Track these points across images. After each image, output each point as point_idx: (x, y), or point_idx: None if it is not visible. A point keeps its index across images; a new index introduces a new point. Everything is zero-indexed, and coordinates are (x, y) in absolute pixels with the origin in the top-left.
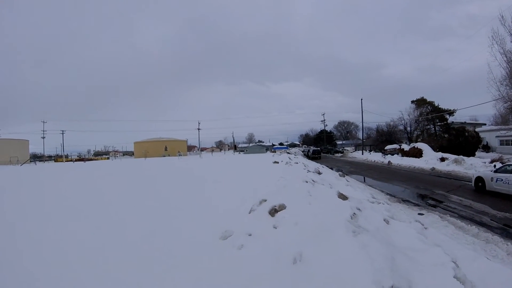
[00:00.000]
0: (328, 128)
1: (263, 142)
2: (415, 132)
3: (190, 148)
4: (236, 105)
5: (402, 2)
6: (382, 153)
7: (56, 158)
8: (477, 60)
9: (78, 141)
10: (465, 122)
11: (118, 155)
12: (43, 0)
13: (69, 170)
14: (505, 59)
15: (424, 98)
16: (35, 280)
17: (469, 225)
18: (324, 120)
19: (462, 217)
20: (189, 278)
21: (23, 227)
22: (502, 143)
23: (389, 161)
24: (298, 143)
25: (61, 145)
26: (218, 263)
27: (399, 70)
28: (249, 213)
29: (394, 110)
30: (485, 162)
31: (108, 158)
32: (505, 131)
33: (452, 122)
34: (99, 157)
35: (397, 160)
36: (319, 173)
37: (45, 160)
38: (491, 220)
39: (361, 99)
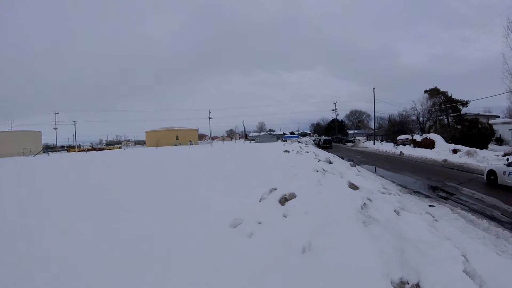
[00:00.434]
0: (339, 117)
1: (274, 131)
2: (428, 123)
3: (201, 137)
4: (247, 94)
5: None
6: (394, 143)
7: (69, 148)
8: (491, 50)
9: (90, 131)
10: (478, 113)
11: (130, 145)
12: None
13: (79, 160)
14: None
15: (438, 88)
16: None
17: (480, 219)
18: (336, 109)
19: (473, 211)
20: (199, 265)
21: (23, 223)
22: None
23: (400, 152)
24: (309, 132)
25: (73, 135)
26: (228, 250)
27: (412, 59)
28: (259, 201)
29: (407, 99)
30: (497, 155)
31: (120, 148)
32: None
33: (466, 113)
34: (111, 146)
35: (409, 151)
36: (330, 163)
37: (58, 151)
38: (502, 214)
39: (373, 88)
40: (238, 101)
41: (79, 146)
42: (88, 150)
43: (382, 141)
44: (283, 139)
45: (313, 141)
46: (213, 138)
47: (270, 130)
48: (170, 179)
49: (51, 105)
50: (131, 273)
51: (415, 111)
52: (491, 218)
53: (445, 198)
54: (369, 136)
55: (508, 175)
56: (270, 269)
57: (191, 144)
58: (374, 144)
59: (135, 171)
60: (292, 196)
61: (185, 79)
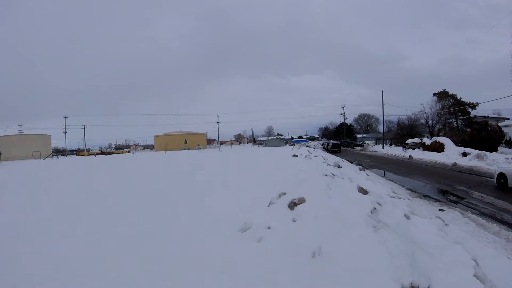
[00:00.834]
0: (348, 121)
1: (282, 135)
2: (437, 126)
3: (210, 141)
4: (256, 98)
5: None
6: (403, 147)
7: (78, 152)
8: (500, 51)
9: (99, 135)
10: (487, 116)
11: (138, 149)
12: None
13: (88, 164)
14: None
15: (446, 90)
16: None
17: (490, 223)
18: (344, 113)
19: (483, 214)
20: (210, 269)
21: (26, 224)
22: None
23: (410, 155)
24: (318, 136)
25: (82, 139)
26: (238, 255)
27: (421, 62)
28: (268, 206)
29: (416, 103)
30: (507, 158)
31: (129, 152)
32: None
33: (475, 116)
34: (120, 150)
35: (418, 155)
36: (339, 167)
37: (67, 154)
38: None
39: (382, 92)
40: (247, 106)
41: (88, 150)
42: (97, 154)
43: (391, 145)
44: (291, 143)
45: (322, 145)
46: (222, 143)
47: (278, 134)
48: (178, 183)
49: (61, 109)
50: (149, 275)
51: (424, 115)
52: (502, 222)
53: (455, 202)
54: (378, 140)
55: None
56: (279, 274)
57: (199, 148)
58: (383, 148)
59: (145, 176)
60: (301, 200)
61: (193, 83)
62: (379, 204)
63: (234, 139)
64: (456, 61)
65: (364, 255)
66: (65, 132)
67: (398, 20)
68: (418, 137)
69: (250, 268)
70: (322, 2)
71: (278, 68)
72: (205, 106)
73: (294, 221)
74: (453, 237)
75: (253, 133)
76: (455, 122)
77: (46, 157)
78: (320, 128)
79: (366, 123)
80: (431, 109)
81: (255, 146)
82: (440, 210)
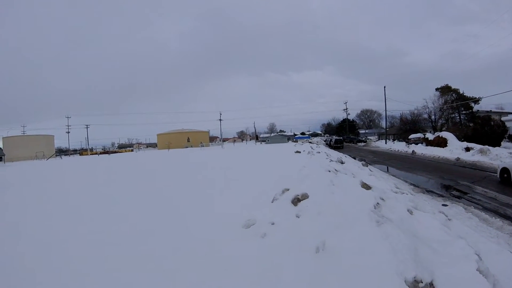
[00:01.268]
0: (350, 117)
1: (285, 132)
2: (440, 121)
3: (212, 139)
4: (258, 96)
5: None
6: (406, 142)
7: (81, 151)
8: (502, 46)
9: (102, 134)
10: (490, 110)
11: (141, 147)
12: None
13: (92, 163)
14: None
15: (449, 85)
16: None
17: (493, 218)
18: (347, 109)
19: (486, 209)
20: (213, 266)
21: (29, 223)
22: None
23: (413, 151)
24: (320, 132)
25: (85, 139)
26: (242, 251)
27: (422, 57)
28: (272, 202)
29: (418, 98)
30: (511, 153)
31: (132, 150)
32: None
33: (478, 110)
34: (123, 149)
35: (421, 150)
36: (342, 163)
37: (70, 154)
38: None
39: (384, 87)
40: (249, 103)
41: (91, 150)
42: (101, 153)
43: (394, 140)
44: (294, 139)
45: (324, 141)
46: (224, 140)
47: (280, 131)
48: (181, 181)
49: (64, 109)
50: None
51: (427, 109)
52: (505, 216)
53: (458, 197)
54: (380, 136)
55: None
56: (284, 268)
57: (202, 146)
58: (386, 143)
59: (148, 174)
60: (305, 196)
61: (195, 81)
62: (382, 199)
63: (236, 136)
64: (458, 56)
65: (367, 250)
66: (68, 132)
67: (399, 16)
68: (421, 132)
69: (254, 263)
70: (322, 0)
71: (279, 65)
72: (207, 104)
73: (297, 217)
74: (456, 231)
75: (255, 130)
76: (458, 117)
77: (50, 157)
78: (323, 124)
79: (369, 118)
80: (433, 104)
81: (258, 143)
82: (443, 205)
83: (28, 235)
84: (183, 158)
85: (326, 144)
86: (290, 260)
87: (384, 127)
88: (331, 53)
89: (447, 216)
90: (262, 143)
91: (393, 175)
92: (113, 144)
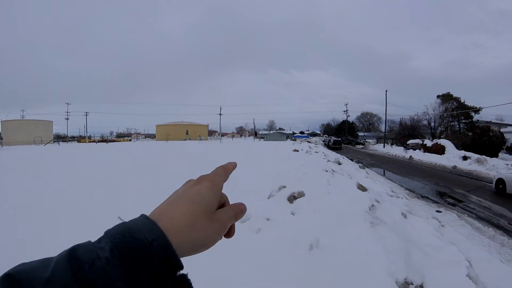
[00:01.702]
0: (350, 119)
1: (284, 129)
2: (439, 128)
3: (211, 133)
4: (259, 92)
5: None
6: (404, 147)
7: (79, 138)
8: (506, 57)
9: (101, 122)
10: (490, 121)
11: (140, 138)
12: None
13: (89, 151)
14: None
15: (450, 93)
16: None
17: (486, 227)
18: (347, 111)
19: (479, 218)
20: (206, 259)
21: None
22: None
23: (410, 156)
24: (319, 132)
25: (84, 126)
26: (236, 245)
27: (426, 63)
28: (268, 198)
29: (419, 104)
30: (507, 164)
31: (130, 140)
32: None
33: (477, 120)
34: (121, 138)
35: (419, 156)
36: (339, 164)
37: (68, 141)
38: (508, 223)
39: (386, 91)
40: (250, 99)
41: (89, 137)
42: (99, 141)
43: (392, 144)
44: (293, 138)
45: (323, 141)
46: (223, 135)
47: (280, 129)
48: (177, 173)
49: (64, 95)
50: None
51: (427, 116)
52: (498, 226)
53: (453, 205)
54: (379, 139)
55: None
56: (277, 264)
57: (200, 139)
58: (384, 147)
59: (144, 165)
60: (301, 194)
61: (197, 74)
62: (377, 201)
63: (235, 131)
64: (462, 64)
65: (360, 249)
66: (67, 119)
67: (407, 21)
68: (419, 138)
69: (249, 258)
70: (331, 0)
71: (283, 63)
72: (208, 98)
73: (293, 214)
74: (448, 238)
75: (254, 127)
76: (457, 125)
77: (47, 143)
78: (322, 125)
79: (368, 121)
80: (434, 111)
81: (256, 140)
82: (437, 211)
83: (22, 222)
84: (181, 150)
85: (325, 144)
86: (284, 256)
87: (383, 131)
88: (336, 54)
89: (440, 222)
90: (261, 140)
91: (389, 179)
92: (111, 133)
